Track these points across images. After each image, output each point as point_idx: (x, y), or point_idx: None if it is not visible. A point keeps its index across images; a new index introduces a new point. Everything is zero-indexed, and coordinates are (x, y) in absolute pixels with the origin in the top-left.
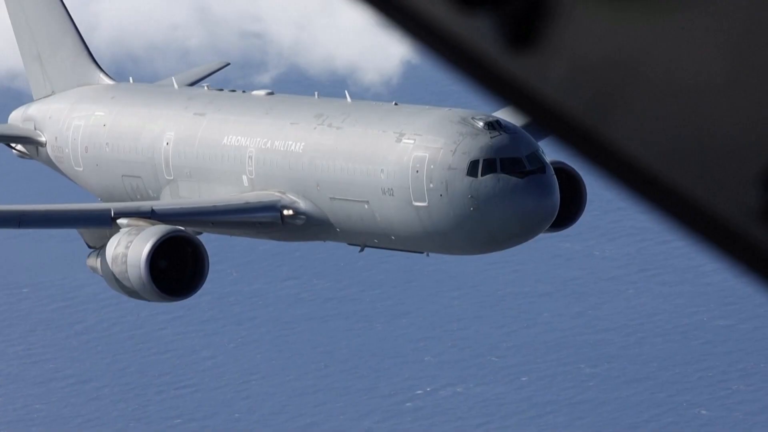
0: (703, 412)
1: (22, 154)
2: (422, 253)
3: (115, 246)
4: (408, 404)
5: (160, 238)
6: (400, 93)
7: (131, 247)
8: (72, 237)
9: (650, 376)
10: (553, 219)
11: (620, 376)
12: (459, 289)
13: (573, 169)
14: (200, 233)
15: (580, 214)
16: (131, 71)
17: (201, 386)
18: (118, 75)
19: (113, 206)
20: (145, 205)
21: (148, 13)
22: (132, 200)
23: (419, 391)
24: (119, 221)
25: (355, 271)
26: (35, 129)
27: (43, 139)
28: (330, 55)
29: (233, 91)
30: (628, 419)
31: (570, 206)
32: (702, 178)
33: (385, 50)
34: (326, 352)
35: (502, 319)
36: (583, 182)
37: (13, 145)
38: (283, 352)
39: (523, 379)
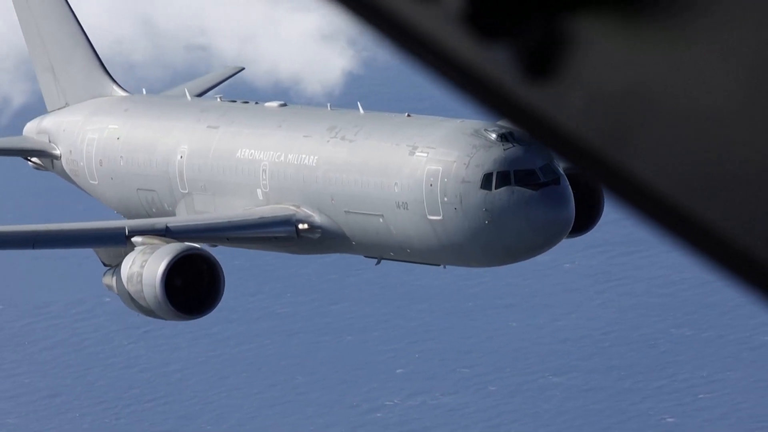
0: (669, 419)
1: (37, 166)
2: (438, 265)
3: (129, 265)
4: (378, 414)
5: (175, 256)
6: (343, 104)
7: (146, 267)
8: (43, 254)
9: (614, 385)
10: (568, 231)
11: (584, 385)
12: (427, 302)
13: None
14: (215, 246)
15: (598, 219)
16: None
17: (170, 398)
18: None
19: (128, 224)
20: (160, 222)
21: (93, 26)
22: (148, 213)
23: (388, 402)
24: (134, 239)
25: (325, 284)
26: (50, 142)
27: (57, 152)
28: (273, 66)
29: (246, 102)
30: (591, 427)
31: (588, 211)
32: (722, 206)
33: (327, 62)
34: (295, 364)
35: (470, 330)
36: (600, 187)
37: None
38: (252, 364)
39: (491, 388)
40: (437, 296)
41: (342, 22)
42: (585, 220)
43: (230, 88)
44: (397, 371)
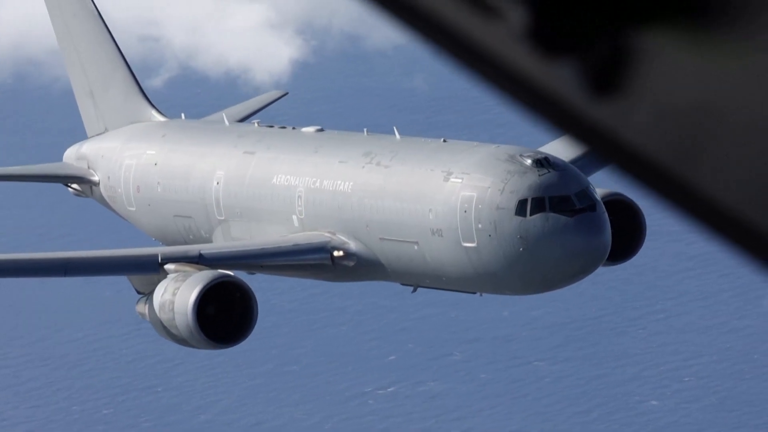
0: (653, 402)
1: (77, 193)
2: (474, 293)
3: (162, 293)
4: (370, 402)
5: (207, 284)
6: (290, 91)
7: (178, 294)
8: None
9: (593, 370)
10: (605, 258)
11: (566, 370)
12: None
13: (631, 200)
14: (253, 273)
15: (640, 246)
16: (33, 76)
17: (158, 387)
18: (20, 80)
19: (161, 251)
20: (193, 249)
21: (47, 17)
22: (185, 240)
23: (380, 391)
24: (167, 267)
25: None
26: (88, 168)
27: (96, 178)
28: (222, 56)
29: (283, 127)
30: (575, 408)
31: (629, 238)
32: None
33: (275, 51)
34: (283, 353)
35: (462, 320)
36: (641, 213)
37: (68, 183)
38: (240, 353)
39: (482, 376)
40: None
41: (290, 12)
42: (627, 247)
43: (181, 78)
44: (389, 359)
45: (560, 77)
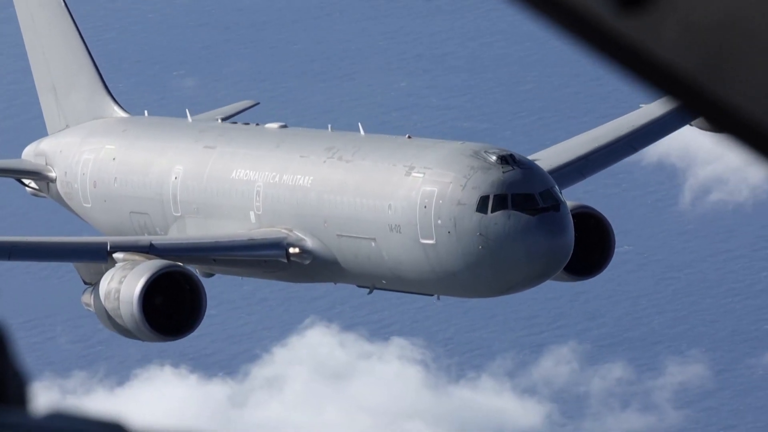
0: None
1: (35, 192)
2: (431, 295)
3: (108, 281)
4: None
5: (155, 273)
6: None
7: (124, 283)
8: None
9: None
10: (567, 259)
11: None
12: None
13: (600, 213)
14: (212, 275)
15: (608, 261)
16: None
17: None
18: None
19: (110, 240)
20: (144, 239)
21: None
22: None
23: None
24: (115, 255)
25: None
26: (46, 164)
27: (53, 174)
28: None
29: (246, 124)
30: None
31: (597, 252)
32: None
33: None
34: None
35: None
36: (610, 227)
37: (26, 182)
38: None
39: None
40: None
41: None
42: (593, 261)
43: None
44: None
45: None
